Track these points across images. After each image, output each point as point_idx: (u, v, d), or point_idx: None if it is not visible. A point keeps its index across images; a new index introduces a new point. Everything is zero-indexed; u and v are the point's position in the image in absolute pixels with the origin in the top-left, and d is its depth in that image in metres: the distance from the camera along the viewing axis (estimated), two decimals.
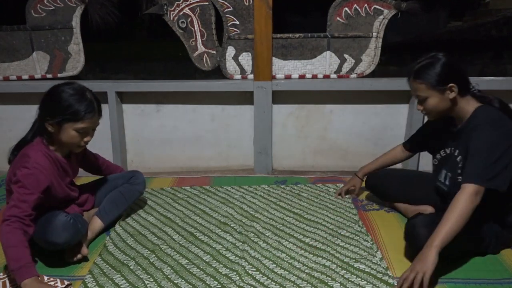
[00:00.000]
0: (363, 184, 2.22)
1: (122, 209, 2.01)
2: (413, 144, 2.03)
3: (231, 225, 1.97)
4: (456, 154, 1.67)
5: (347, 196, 2.27)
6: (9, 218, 1.43)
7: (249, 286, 1.51)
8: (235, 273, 1.59)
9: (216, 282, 1.54)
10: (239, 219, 2.04)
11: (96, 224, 1.87)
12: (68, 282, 1.51)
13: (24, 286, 1.36)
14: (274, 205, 2.19)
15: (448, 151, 1.74)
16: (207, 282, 1.54)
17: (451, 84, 1.58)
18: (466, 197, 1.45)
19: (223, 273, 1.60)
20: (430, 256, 1.39)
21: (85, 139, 1.65)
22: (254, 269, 1.61)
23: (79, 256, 1.68)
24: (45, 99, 1.63)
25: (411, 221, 1.64)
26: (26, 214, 1.47)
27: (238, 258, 1.70)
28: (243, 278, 1.56)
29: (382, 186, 2.11)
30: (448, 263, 1.60)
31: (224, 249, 1.77)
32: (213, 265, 1.65)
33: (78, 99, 1.58)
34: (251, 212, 2.11)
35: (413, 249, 1.60)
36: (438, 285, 1.51)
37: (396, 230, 1.87)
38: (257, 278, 1.56)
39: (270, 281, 1.54)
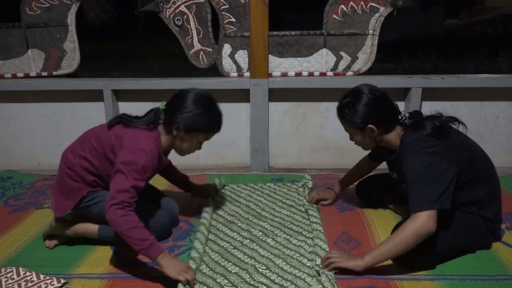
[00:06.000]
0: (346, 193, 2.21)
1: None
2: (376, 156, 2.05)
3: (238, 224, 1.97)
4: (400, 180, 1.70)
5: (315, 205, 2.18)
6: (121, 203, 1.46)
7: (260, 284, 1.51)
8: (245, 271, 1.59)
9: (226, 281, 1.53)
10: (246, 217, 2.04)
11: (92, 229, 1.76)
12: (65, 281, 1.50)
13: (161, 260, 1.44)
14: (280, 203, 2.19)
15: (394, 175, 1.78)
16: (217, 280, 1.53)
17: (369, 126, 1.62)
18: (414, 225, 1.44)
19: (233, 271, 1.59)
20: (356, 263, 1.50)
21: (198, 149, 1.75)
22: (264, 267, 1.61)
23: (51, 243, 1.77)
24: (182, 103, 1.63)
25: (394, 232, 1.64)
26: (134, 200, 1.51)
27: (247, 256, 1.69)
28: (253, 277, 1.55)
29: (373, 193, 2.13)
30: (442, 260, 1.62)
31: (232, 247, 1.76)
32: (222, 263, 1.65)
33: (215, 114, 1.67)
34: (258, 210, 2.11)
35: (399, 262, 1.60)
36: (434, 282, 1.52)
37: (392, 225, 1.87)
38: (267, 275, 1.56)
39: (280, 278, 1.54)
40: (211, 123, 1.65)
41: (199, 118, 1.61)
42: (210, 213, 2.04)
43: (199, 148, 1.74)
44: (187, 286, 1.44)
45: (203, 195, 2.19)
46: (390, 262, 1.63)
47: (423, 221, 1.43)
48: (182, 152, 1.75)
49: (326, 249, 1.68)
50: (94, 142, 1.65)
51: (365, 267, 1.49)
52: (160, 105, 1.69)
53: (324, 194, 2.19)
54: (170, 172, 2.11)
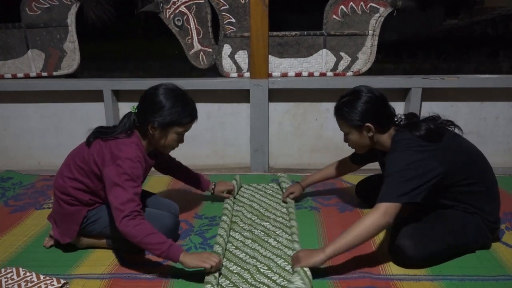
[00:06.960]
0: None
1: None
2: (359, 159, 2.05)
3: (240, 224, 1.97)
4: None
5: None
6: (130, 214, 1.46)
7: (262, 285, 1.51)
8: (247, 272, 1.59)
9: (228, 281, 1.53)
10: (249, 217, 2.04)
11: (101, 241, 1.77)
12: (64, 281, 1.50)
13: (184, 258, 1.46)
14: (283, 203, 2.19)
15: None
16: (219, 281, 1.53)
17: (367, 124, 1.63)
18: (374, 216, 1.46)
19: (234, 271, 1.59)
20: (317, 259, 1.48)
21: (180, 143, 1.71)
22: (266, 268, 1.61)
23: (48, 243, 1.78)
24: (151, 101, 1.61)
25: (393, 231, 1.65)
26: (140, 207, 1.51)
27: (249, 257, 1.69)
28: (255, 277, 1.55)
29: (373, 193, 2.11)
30: (441, 260, 1.62)
31: (234, 247, 1.76)
32: (223, 263, 1.64)
33: (186, 103, 1.63)
34: (261, 210, 2.11)
35: (398, 261, 1.61)
36: (434, 282, 1.52)
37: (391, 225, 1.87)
38: (269, 276, 1.56)
39: (282, 279, 1.54)
40: (184, 113, 1.60)
41: (171, 111, 1.58)
42: (232, 205, 2.09)
43: (181, 141, 1.70)
44: (213, 275, 1.47)
45: (221, 192, 2.18)
46: (389, 262, 1.63)
47: (382, 213, 1.46)
48: (165, 149, 1.71)
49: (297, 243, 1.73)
50: (79, 162, 1.64)
51: (326, 260, 1.49)
52: (131, 108, 1.66)
53: (291, 188, 2.22)
54: (183, 172, 2.11)
